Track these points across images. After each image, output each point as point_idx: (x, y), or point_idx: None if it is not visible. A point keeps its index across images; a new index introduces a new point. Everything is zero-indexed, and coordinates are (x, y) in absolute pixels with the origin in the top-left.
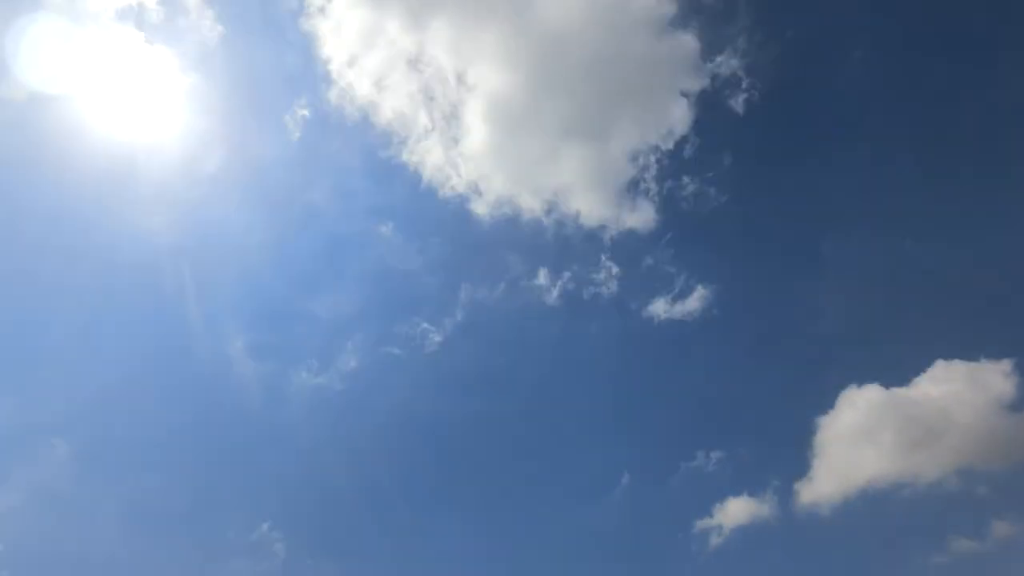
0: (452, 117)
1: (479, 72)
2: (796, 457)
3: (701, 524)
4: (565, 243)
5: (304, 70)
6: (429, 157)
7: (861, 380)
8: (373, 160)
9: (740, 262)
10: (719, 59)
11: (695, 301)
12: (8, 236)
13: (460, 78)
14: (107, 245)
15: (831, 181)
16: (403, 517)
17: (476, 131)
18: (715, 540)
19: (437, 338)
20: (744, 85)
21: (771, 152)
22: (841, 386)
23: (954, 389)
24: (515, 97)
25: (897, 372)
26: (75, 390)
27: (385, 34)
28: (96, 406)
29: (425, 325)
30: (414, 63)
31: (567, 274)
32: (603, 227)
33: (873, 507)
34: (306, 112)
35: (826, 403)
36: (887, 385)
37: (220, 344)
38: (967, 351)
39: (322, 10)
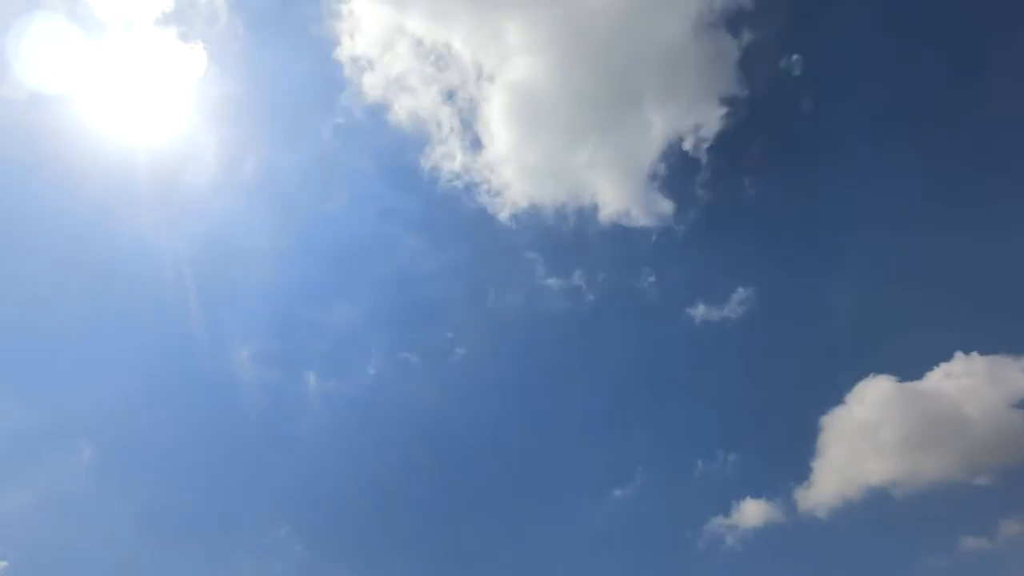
0: (474, 116)
1: (502, 70)
2: (810, 457)
3: (717, 523)
4: (590, 243)
5: (320, 71)
6: (451, 158)
7: (879, 372)
8: (393, 163)
9: (771, 262)
10: (754, 60)
11: (723, 302)
12: (12, 238)
13: (482, 75)
14: (119, 249)
15: (859, 179)
16: (424, 520)
17: (499, 131)
18: (730, 540)
19: (460, 343)
20: (774, 88)
21: (797, 152)
22: (857, 380)
23: (970, 384)
24: (539, 94)
25: (916, 365)
26: (93, 396)
27: (405, 32)
28: (114, 412)
29: (448, 330)
30: (433, 59)
31: (589, 274)
32: (628, 226)
33: (884, 506)
34: (325, 115)
35: (840, 400)
36: (906, 379)
37: (239, 349)
38: (988, 344)
39: (339, 11)
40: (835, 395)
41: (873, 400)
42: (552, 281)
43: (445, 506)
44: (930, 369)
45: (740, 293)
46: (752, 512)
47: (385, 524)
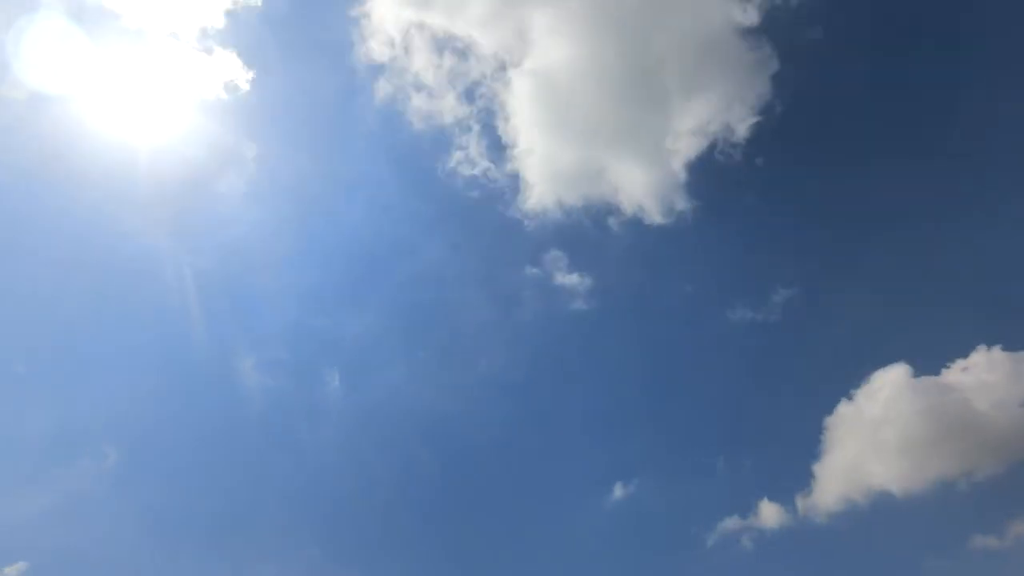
0: (496, 114)
1: (524, 63)
2: (820, 458)
3: (732, 524)
4: (612, 242)
5: (335, 73)
6: (472, 157)
7: (897, 369)
8: (413, 164)
9: (795, 263)
10: (792, 71)
11: (745, 302)
12: (13, 239)
13: (504, 69)
14: (120, 251)
15: (887, 178)
16: (443, 522)
17: (521, 128)
18: (744, 541)
19: (484, 345)
20: (808, 99)
21: (823, 157)
22: (874, 377)
23: (987, 379)
24: (563, 89)
25: (935, 359)
26: (107, 401)
27: (424, 28)
28: (129, 416)
29: (472, 333)
30: (452, 54)
31: (611, 274)
32: (650, 225)
33: (895, 505)
34: (343, 118)
35: (852, 399)
36: (924, 373)
37: (253, 354)
38: (1014, 340)
39: (356, 12)
40: (848, 393)
41: (889, 397)
42: (574, 280)
43: (470, 504)
44: (949, 363)
45: (763, 293)
46: (767, 513)
47: (407, 524)
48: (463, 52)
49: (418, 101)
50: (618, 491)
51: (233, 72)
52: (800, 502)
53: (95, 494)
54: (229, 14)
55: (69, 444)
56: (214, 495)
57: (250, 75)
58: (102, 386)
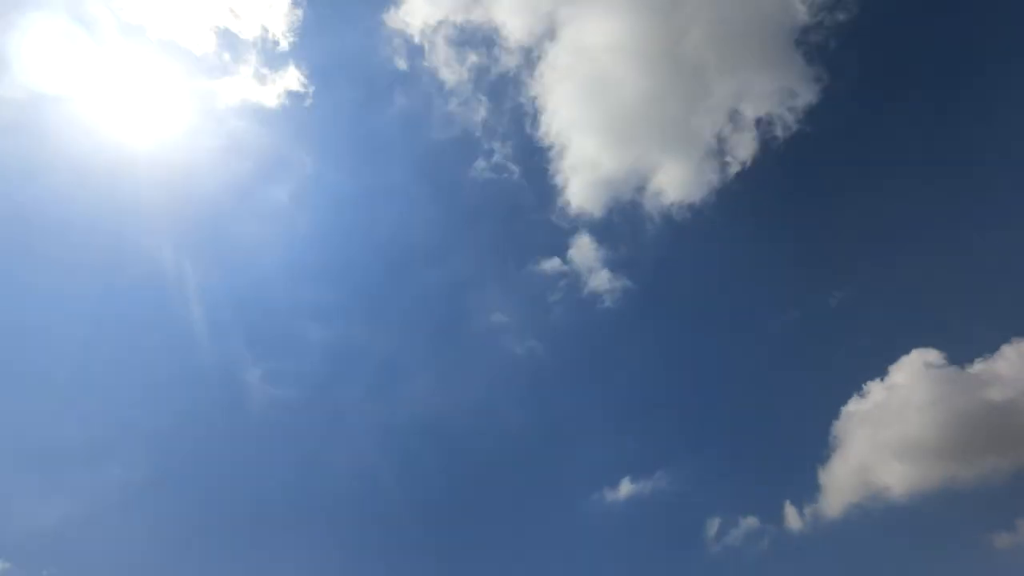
0: (526, 108)
1: (554, 51)
2: (829, 460)
3: (749, 524)
4: (643, 239)
5: (363, 76)
6: (502, 154)
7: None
8: (441, 164)
9: (831, 258)
10: (838, 66)
11: (771, 296)
12: (13, 240)
13: (532, 58)
14: (124, 254)
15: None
16: (469, 518)
17: (558, 124)
18: (765, 542)
19: (514, 341)
20: (850, 97)
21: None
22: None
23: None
24: (599, 80)
25: (968, 348)
26: (119, 408)
27: (446, 23)
28: (154, 426)
29: (505, 328)
30: (480, 50)
31: (648, 267)
32: (680, 222)
33: (910, 502)
34: (367, 120)
35: (864, 396)
36: (953, 364)
37: (262, 364)
38: None
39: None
40: (865, 392)
41: (916, 391)
42: (605, 278)
43: (494, 501)
44: (978, 357)
45: (796, 293)
46: (787, 513)
47: (422, 536)
48: (490, 48)
49: (448, 104)
50: (635, 488)
51: (241, 76)
52: (815, 502)
53: (115, 503)
54: (243, 19)
55: (95, 451)
56: (236, 503)
57: (270, 83)
58: (127, 395)
